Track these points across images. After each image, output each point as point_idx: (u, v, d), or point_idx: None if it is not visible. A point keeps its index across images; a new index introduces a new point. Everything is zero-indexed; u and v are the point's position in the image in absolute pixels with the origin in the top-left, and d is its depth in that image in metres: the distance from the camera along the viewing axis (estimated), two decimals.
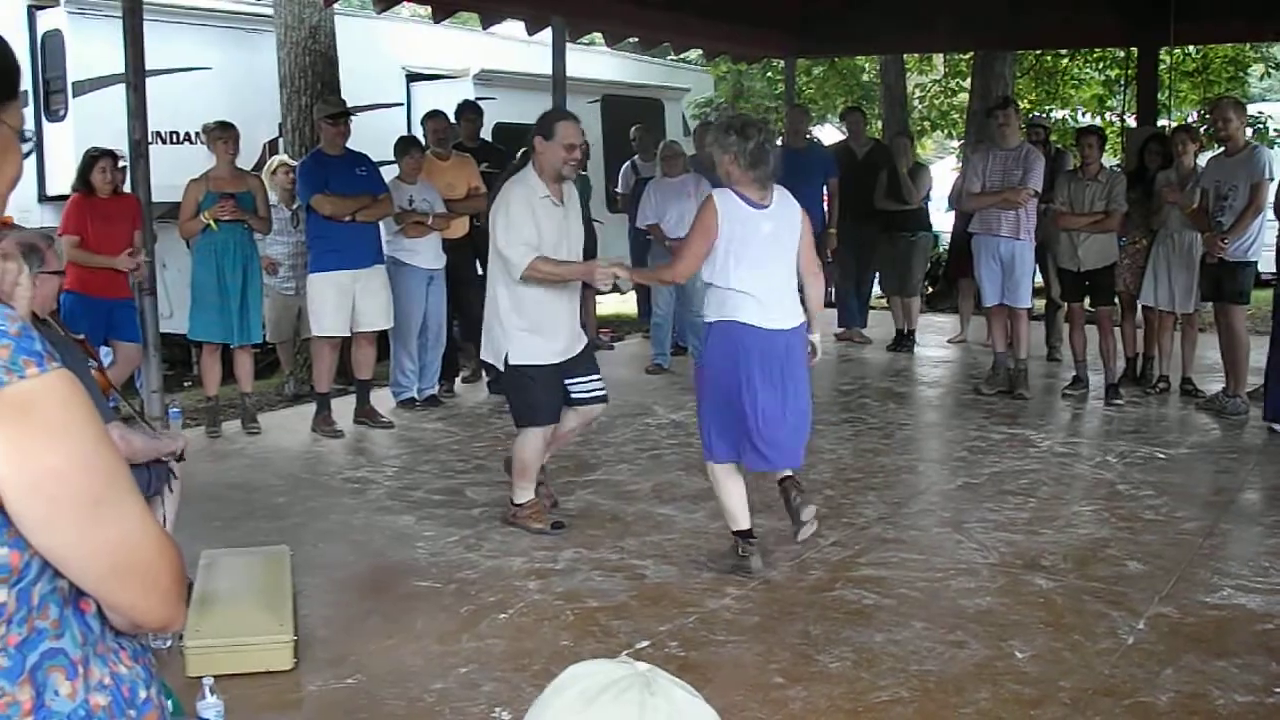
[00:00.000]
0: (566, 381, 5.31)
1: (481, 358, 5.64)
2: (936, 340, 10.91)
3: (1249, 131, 9.47)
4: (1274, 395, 7.21)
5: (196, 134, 8.35)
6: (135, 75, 6.73)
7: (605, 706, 1.16)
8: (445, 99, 9.52)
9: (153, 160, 6.89)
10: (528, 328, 5.20)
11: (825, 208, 9.93)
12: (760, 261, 4.65)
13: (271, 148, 9.67)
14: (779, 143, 10.84)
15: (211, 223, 7.07)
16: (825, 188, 9.94)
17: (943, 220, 11.88)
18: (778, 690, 3.78)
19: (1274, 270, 7.56)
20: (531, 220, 5.08)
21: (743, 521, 4.84)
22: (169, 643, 3.85)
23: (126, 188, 7.09)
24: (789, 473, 4.99)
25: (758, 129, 4.71)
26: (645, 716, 1.16)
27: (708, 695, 4.01)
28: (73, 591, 1.33)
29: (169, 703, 1.54)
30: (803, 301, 4.86)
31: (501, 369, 5.30)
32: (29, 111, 8.69)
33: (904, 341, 10.47)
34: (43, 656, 1.30)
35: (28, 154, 1.73)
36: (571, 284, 5.31)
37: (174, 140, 9.28)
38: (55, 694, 1.30)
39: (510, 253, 5.07)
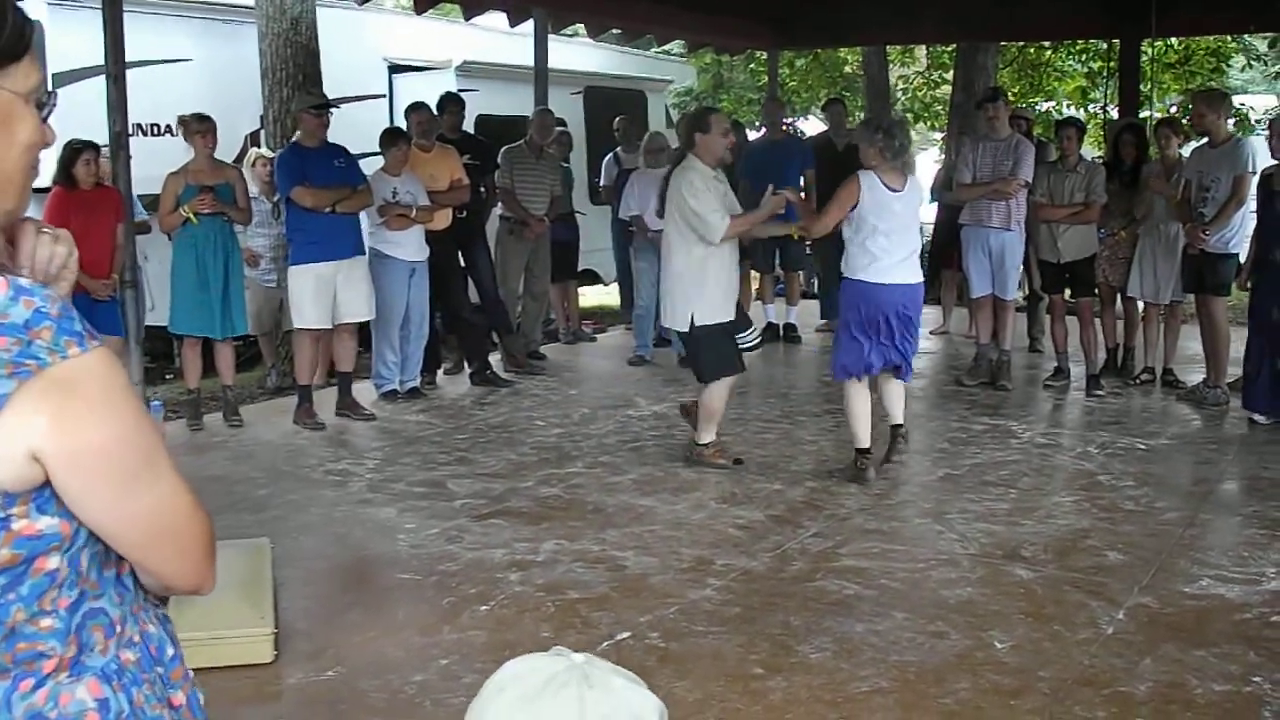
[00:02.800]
0: None
1: (662, 324, 6.89)
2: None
3: (1230, 123, 9.50)
4: (1252, 385, 7.25)
5: (177, 126, 8.31)
6: (115, 67, 6.69)
7: (545, 706, 1.15)
8: (427, 91, 9.48)
9: (133, 152, 6.86)
10: (710, 291, 6.11)
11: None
12: (889, 233, 5.86)
13: (253, 139, 9.62)
14: (761, 133, 10.93)
15: (191, 216, 7.04)
16: (802, 178, 9.95)
17: (926, 212, 11.89)
18: (758, 681, 3.79)
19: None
20: (713, 194, 6.06)
21: (863, 441, 6.08)
22: None
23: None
24: (900, 421, 6.18)
25: (900, 128, 6.14)
26: (586, 713, 1.15)
27: (688, 686, 3.98)
28: (110, 554, 1.39)
29: None
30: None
31: (687, 330, 6.15)
32: None
33: None
34: (85, 616, 1.36)
35: (45, 116, 1.69)
36: (734, 256, 6.26)
37: (155, 132, 9.22)
38: (92, 650, 1.37)
39: (711, 219, 6.00)
